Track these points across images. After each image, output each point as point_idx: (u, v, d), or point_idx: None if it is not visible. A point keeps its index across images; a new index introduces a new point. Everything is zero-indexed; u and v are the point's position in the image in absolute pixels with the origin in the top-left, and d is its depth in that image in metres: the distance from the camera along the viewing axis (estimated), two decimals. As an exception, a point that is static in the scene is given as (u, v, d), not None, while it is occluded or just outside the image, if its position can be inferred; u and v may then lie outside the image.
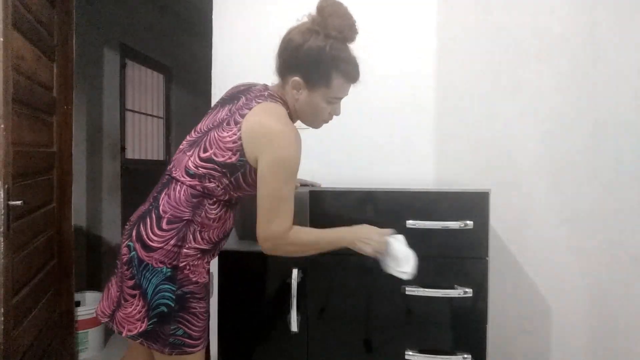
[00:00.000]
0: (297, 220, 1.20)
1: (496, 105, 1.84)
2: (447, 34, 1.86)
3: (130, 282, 1.16)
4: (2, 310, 1.44)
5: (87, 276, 3.49)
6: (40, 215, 1.86)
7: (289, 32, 1.22)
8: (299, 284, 1.42)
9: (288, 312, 1.41)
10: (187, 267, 1.16)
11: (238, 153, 1.14)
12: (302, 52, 1.17)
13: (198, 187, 1.16)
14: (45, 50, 1.91)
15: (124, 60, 3.97)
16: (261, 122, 1.13)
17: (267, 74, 1.94)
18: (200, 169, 1.16)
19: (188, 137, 1.25)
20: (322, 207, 1.46)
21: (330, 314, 1.46)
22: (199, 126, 1.25)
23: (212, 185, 1.16)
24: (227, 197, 1.19)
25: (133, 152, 4.22)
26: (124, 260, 1.18)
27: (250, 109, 1.16)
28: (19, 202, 1.50)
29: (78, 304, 2.53)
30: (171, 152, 4.79)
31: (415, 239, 1.41)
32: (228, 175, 1.16)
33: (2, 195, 1.43)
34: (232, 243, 1.63)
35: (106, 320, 1.22)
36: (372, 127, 1.90)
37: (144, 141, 4.46)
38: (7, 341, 1.47)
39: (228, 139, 1.14)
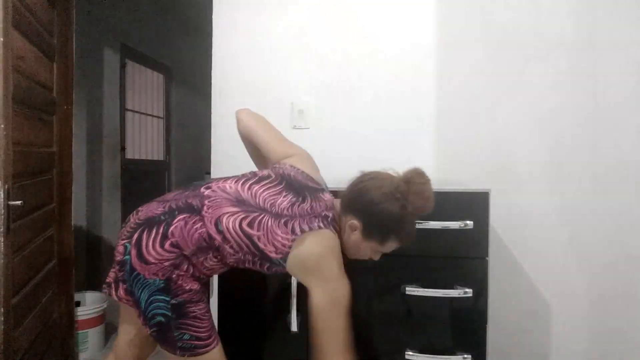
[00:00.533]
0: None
1: (496, 105, 1.84)
2: (447, 33, 1.86)
3: (124, 285, 1.17)
4: (2, 310, 1.44)
5: (87, 276, 3.49)
6: (40, 215, 1.86)
7: (370, 185, 1.22)
8: (299, 284, 1.42)
9: (288, 312, 1.41)
10: (180, 279, 1.15)
11: (281, 255, 1.15)
12: (375, 209, 1.18)
13: (215, 241, 1.16)
14: (45, 50, 1.91)
15: (124, 60, 3.97)
16: (319, 260, 1.15)
17: (267, 74, 1.95)
18: (233, 234, 1.15)
19: (240, 186, 1.22)
20: (322, 207, 1.46)
21: (330, 314, 1.45)
22: (256, 188, 1.21)
23: (230, 251, 1.17)
24: (230, 262, 1.21)
25: (133, 152, 4.22)
26: (118, 259, 1.19)
27: (311, 228, 1.15)
28: (19, 202, 1.50)
29: (78, 304, 2.53)
30: (171, 152, 4.79)
31: (415, 239, 1.41)
32: (257, 259, 1.18)
33: (2, 195, 1.43)
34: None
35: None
36: (372, 127, 1.90)
37: (144, 141, 4.46)
38: (7, 341, 1.47)
39: (279, 239, 1.14)
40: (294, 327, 1.42)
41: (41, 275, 1.88)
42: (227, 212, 1.16)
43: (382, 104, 1.90)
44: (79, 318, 2.46)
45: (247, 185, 1.22)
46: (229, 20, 1.96)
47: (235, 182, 1.23)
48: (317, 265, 1.14)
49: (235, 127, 2.07)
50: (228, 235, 1.15)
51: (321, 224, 1.17)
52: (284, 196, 1.20)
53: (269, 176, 1.26)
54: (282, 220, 1.16)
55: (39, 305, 1.84)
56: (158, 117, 4.69)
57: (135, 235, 1.16)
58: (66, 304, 2.23)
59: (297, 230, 1.15)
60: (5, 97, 1.45)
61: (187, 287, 1.16)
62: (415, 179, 1.21)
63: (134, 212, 1.25)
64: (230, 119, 1.97)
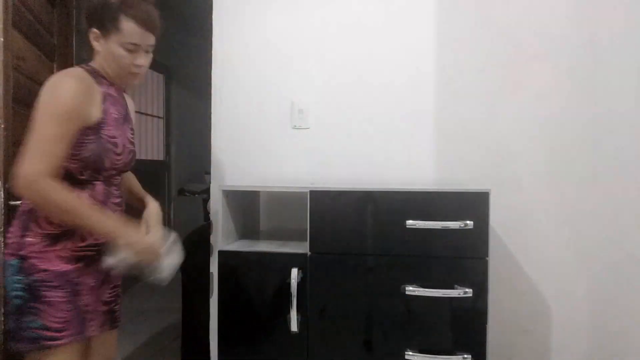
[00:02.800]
0: (296, 217, 1.19)
1: (496, 105, 1.84)
2: (447, 33, 1.86)
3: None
4: (2, 310, 1.44)
5: (87, 276, 3.48)
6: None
7: None
8: (299, 284, 1.43)
9: (288, 312, 1.41)
10: (32, 256, 1.14)
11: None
12: (92, 3, 1.24)
13: None
14: (45, 50, 1.91)
15: (124, 60, 3.96)
16: (53, 79, 1.19)
17: (267, 74, 1.95)
18: None
19: None
20: (322, 207, 1.46)
21: (330, 314, 1.46)
22: None
23: None
24: (62, 174, 1.16)
25: (133, 152, 4.22)
26: None
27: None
28: (18, 202, 1.50)
29: (78, 304, 2.52)
30: (171, 152, 4.79)
31: (415, 239, 1.41)
32: None
33: (2, 195, 1.43)
34: (232, 243, 1.63)
35: None
36: (372, 127, 1.90)
37: (144, 141, 4.46)
38: (8, 341, 1.47)
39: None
40: (294, 327, 1.42)
41: (41, 275, 1.88)
42: None
43: (382, 104, 1.90)
44: (79, 318, 2.46)
45: None
46: (229, 20, 1.97)
47: None
48: (50, 81, 1.18)
49: (235, 127, 2.08)
50: None
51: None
52: None
53: None
54: None
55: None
56: (158, 117, 4.69)
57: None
58: (66, 304, 2.23)
59: None
60: (5, 97, 1.45)
61: (42, 267, 1.14)
62: None
63: None
64: (230, 119, 1.98)
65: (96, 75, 1.25)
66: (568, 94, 1.80)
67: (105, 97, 1.25)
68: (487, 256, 1.40)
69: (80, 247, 1.19)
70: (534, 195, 1.81)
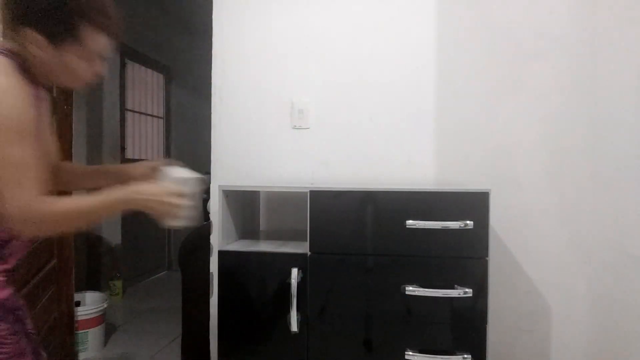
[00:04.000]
0: (296, 217, 1.19)
1: (496, 105, 1.84)
2: (447, 33, 1.86)
3: None
4: (2, 310, 1.43)
5: (87, 276, 3.49)
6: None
7: None
8: (299, 284, 1.43)
9: (288, 312, 1.41)
10: None
11: None
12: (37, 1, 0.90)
13: None
14: None
15: (124, 60, 3.97)
16: None
17: (267, 74, 1.95)
18: None
19: None
20: (322, 207, 1.47)
21: (330, 314, 1.46)
22: None
23: None
24: None
25: (133, 152, 4.23)
26: None
27: None
28: None
29: (78, 304, 2.53)
30: (171, 152, 4.79)
31: (415, 239, 1.41)
32: None
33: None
34: (232, 243, 1.64)
35: None
36: (372, 127, 1.90)
37: (144, 141, 4.46)
38: (7, 341, 1.46)
39: None
40: (294, 327, 1.42)
41: (41, 275, 1.88)
42: None
43: (382, 104, 1.90)
44: (79, 318, 2.46)
45: None
46: (229, 20, 1.97)
47: None
48: None
49: (235, 127, 2.08)
50: None
51: None
52: None
53: None
54: None
55: (39, 305, 1.84)
56: (158, 117, 4.70)
57: None
58: (66, 304, 2.23)
59: None
60: (5, 97, 1.44)
61: None
62: None
63: None
64: (230, 119, 1.98)
65: (22, 69, 0.93)
66: (568, 94, 1.80)
67: (36, 101, 0.97)
68: (487, 256, 1.40)
69: (5, 269, 0.98)
70: (534, 195, 1.81)
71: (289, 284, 1.41)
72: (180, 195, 1.02)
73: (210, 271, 1.91)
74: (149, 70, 4.42)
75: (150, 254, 4.52)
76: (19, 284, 1.59)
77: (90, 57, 0.98)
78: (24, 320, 1.01)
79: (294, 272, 1.42)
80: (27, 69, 0.94)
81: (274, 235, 1.82)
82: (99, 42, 0.97)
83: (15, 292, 1.00)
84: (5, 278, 0.97)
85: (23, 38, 0.91)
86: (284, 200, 1.94)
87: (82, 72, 0.99)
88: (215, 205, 1.83)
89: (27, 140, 0.88)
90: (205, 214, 2.13)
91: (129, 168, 1.23)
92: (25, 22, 0.91)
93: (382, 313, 1.44)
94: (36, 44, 0.92)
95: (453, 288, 1.39)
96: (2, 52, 0.91)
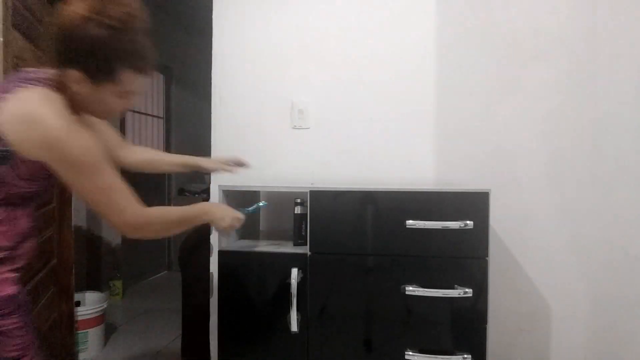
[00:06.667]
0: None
1: (496, 105, 1.84)
2: (447, 33, 1.86)
3: None
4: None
5: (87, 276, 3.49)
6: (40, 216, 1.86)
7: (59, 16, 1.01)
8: (299, 284, 1.43)
9: (288, 312, 1.41)
10: None
11: None
12: (81, 45, 0.99)
13: None
14: (45, 51, 1.91)
15: (124, 60, 3.96)
16: (30, 116, 0.95)
17: (267, 74, 1.95)
18: None
19: None
20: (322, 207, 1.47)
21: (330, 314, 1.46)
22: None
23: None
24: (1, 197, 1.01)
25: (133, 152, 4.22)
26: None
27: (12, 92, 0.97)
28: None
29: (78, 304, 2.53)
30: (171, 152, 4.80)
31: (415, 239, 1.41)
32: None
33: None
34: (232, 243, 1.63)
35: None
36: (372, 127, 1.90)
37: (144, 141, 4.46)
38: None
39: None
40: (294, 327, 1.42)
41: (41, 275, 1.88)
42: None
43: (382, 104, 1.90)
44: (79, 318, 2.46)
45: None
46: (229, 20, 1.97)
47: None
48: (29, 121, 0.94)
49: (235, 127, 2.08)
50: None
51: (27, 85, 0.99)
52: None
53: None
54: None
55: (39, 305, 1.84)
56: (158, 117, 4.70)
57: None
58: (66, 304, 2.23)
59: None
60: (5, 97, 1.44)
61: None
62: None
63: None
64: (230, 119, 1.98)
65: (66, 101, 1.04)
66: (568, 94, 1.80)
67: (85, 127, 1.08)
68: (487, 256, 1.40)
69: (17, 268, 1.07)
70: (534, 195, 1.82)
71: (289, 284, 1.41)
72: (237, 219, 1.32)
73: (210, 271, 1.91)
74: (149, 70, 4.42)
75: (150, 254, 4.52)
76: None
77: (124, 95, 1.08)
78: (30, 316, 1.08)
79: (294, 272, 1.43)
80: (69, 101, 1.04)
81: (274, 235, 1.82)
82: (134, 83, 1.08)
83: (22, 289, 1.08)
84: (16, 275, 1.05)
85: (68, 76, 1.02)
86: (284, 200, 1.94)
87: (115, 106, 1.09)
88: (215, 205, 1.83)
89: (104, 165, 1.02)
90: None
91: (203, 163, 1.54)
92: (70, 62, 1.01)
93: (382, 313, 1.44)
94: (78, 82, 1.02)
95: (453, 288, 1.39)
96: (51, 86, 1.02)
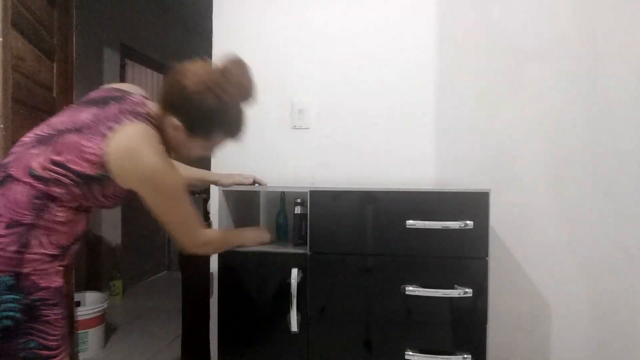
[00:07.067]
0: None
1: (496, 105, 1.84)
2: (447, 34, 1.86)
3: None
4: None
5: (87, 276, 3.49)
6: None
7: (184, 73, 1.14)
8: (299, 284, 1.42)
9: (288, 312, 1.41)
10: (34, 273, 1.03)
11: (99, 168, 1.05)
12: (192, 105, 1.13)
13: (42, 190, 1.04)
14: (45, 50, 1.90)
15: (124, 60, 3.97)
16: (133, 152, 1.06)
17: (267, 74, 1.95)
18: (48, 172, 1.04)
19: (37, 131, 1.11)
20: (322, 207, 1.46)
21: (330, 314, 1.46)
22: (53, 120, 1.12)
23: (59, 191, 1.05)
24: (75, 205, 1.09)
25: (133, 152, 4.22)
26: None
27: (119, 123, 1.07)
28: None
29: (78, 304, 2.53)
30: (171, 152, 4.80)
31: (415, 239, 1.41)
32: (81, 185, 1.06)
33: None
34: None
35: None
36: (372, 126, 1.90)
37: (144, 141, 4.45)
38: None
39: (90, 150, 1.04)
40: (294, 327, 1.42)
41: (41, 275, 1.87)
42: (33, 154, 1.05)
43: (382, 104, 1.90)
44: (79, 318, 2.46)
45: (45, 124, 1.12)
46: (229, 20, 1.97)
47: (34, 129, 1.12)
48: (136, 165, 1.06)
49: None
50: (46, 174, 1.04)
51: (131, 118, 1.09)
52: (85, 111, 1.10)
53: (70, 108, 1.17)
54: (88, 132, 1.06)
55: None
56: (158, 117, 4.69)
57: None
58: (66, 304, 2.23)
59: (106, 132, 1.05)
60: (5, 97, 1.45)
61: (43, 285, 1.04)
62: (232, 69, 1.16)
63: None
64: (230, 119, 1.97)
65: (161, 140, 1.16)
66: (568, 94, 1.80)
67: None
68: (487, 256, 1.40)
69: (64, 265, 1.14)
70: (534, 195, 1.82)
71: (289, 284, 1.41)
72: (269, 239, 1.59)
73: (210, 271, 1.91)
74: (149, 70, 4.42)
75: (150, 254, 4.52)
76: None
77: (209, 147, 1.23)
78: (66, 310, 1.15)
79: (294, 272, 1.42)
80: (162, 139, 1.17)
81: (274, 235, 1.81)
82: (221, 141, 1.22)
83: (65, 284, 1.15)
84: (62, 269, 1.13)
85: (169, 120, 1.15)
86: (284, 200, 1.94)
87: (197, 154, 1.24)
88: (215, 205, 1.84)
89: (185, 196, 1.17)
90: (205, 214, 2.13)
91: (221, 179, 1.61)
92: (176, 113, 1.14)
93: (382, 313, 1.44)
94: (176, 129, 1.16)
95: (453, 288, 1.39)
96: (152, 123, 1.14)
